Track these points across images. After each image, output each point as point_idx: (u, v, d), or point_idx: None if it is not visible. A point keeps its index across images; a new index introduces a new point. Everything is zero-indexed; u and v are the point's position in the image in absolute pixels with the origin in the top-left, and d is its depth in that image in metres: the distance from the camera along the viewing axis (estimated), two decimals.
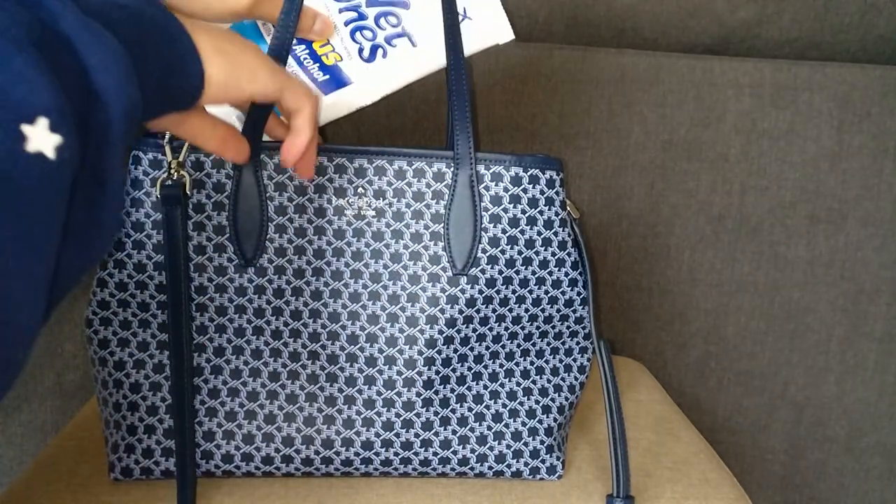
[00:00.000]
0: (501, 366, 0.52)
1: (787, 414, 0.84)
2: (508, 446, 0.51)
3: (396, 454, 0.50)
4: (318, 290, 0.49)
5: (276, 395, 0.49)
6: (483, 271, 0.49)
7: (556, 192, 0.50)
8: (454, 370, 0.50)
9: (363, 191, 0.48)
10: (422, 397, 0.50)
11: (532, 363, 0.52)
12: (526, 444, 0.51)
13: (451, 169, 0.49)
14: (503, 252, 0.49)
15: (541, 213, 0.49)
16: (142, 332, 0.48)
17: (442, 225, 0.49)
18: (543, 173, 0.49)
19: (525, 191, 0.49)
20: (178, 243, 0.45)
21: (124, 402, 0.48)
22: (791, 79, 0.76)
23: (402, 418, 0.49)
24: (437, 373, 0.50)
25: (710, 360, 0.83)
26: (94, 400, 0.62)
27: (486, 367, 0.51)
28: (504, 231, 0.49)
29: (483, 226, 0.49)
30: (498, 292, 0.49)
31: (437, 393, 0.50)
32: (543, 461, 0.52)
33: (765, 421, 0.84)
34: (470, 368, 0.51)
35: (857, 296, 0.81)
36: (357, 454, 0.49)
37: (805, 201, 0.79)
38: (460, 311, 0.49)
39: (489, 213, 0.49)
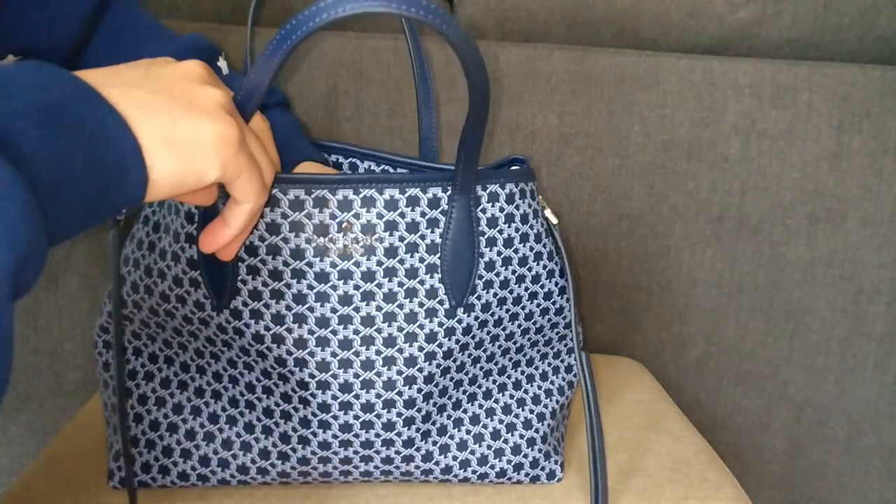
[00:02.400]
0: (494, 381, 0.51)
1: (786, 414, 0.84)
2: (509, 461, 0.50)
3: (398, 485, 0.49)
4: (302, 338, 0.44)
5: (270, 431, 0.47)
6: (479, 297, 0.46)
7: (539, 203, 0.48)
8: (450, 397, 0.49)
9: (349, 226, 0.42)
10: (420, 431, 0.48)
11: (523, 372, 0.51)
12: (525, 457, 0.51)
13: (448, 193, 0.44)
14: (498, 275, 0.46)
15: (531, 227, 0.47)
16: (151, 344, 0.48)
17: (437, 255, 0.44)
18: (528, 185, 0.47)
19: (518, 207, 0.46)
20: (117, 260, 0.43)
21: (130, 413, 0.48)
22: (791, 79, 0.76)
23: (401, 455, 0.48)
24: (435, 404, 0.48)
25: (710, 360, 0.83)
26: (93, 400, 0.62)
27: (479, 386, 0.50)
28: (499, 253, 0.46)
29: (479, 251, 0.45)
30: (493, 314, 0.47)
31: (434, 423, 0.48)
32: (543, 468, 0.51)
33: (764, 421, 0.84)
34: (465, 392, 0.49)
35: (856, 296, 0.81)
36: (353, 481, 0.49)
37: (805, 201, 0.79)
38: (457, 342, 0.46)
39: (485, 236, 0.45)
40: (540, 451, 0.51)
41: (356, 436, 0.46)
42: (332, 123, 0.77)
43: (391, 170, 0.56)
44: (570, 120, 0.76)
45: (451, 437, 0.49)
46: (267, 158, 0.38)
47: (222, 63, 0.50)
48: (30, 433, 0.82)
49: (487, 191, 0.45)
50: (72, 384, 0.81)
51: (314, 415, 0.46)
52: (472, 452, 0.50)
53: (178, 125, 0.31)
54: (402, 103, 0.75)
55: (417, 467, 0.49)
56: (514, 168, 0.48)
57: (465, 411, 0.50)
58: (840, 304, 0.81)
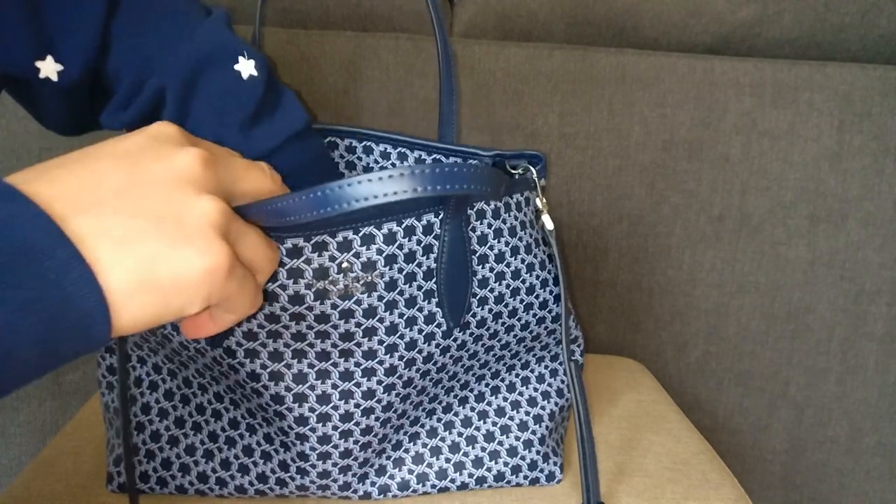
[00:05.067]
0: (487, 385, 0.50)
1: (787, 414, 0.84)
2: (506, 463, 0.50)
3: (395, 496, 0.49)
4: (303, 372, 0.43)
5: (269, 457, 0.47)
6: (474, 315, 0.45)
7: (525, 214, 0.47)
8: (440, 402, 0.49)
9: (349, 265, 0.41)
10: (408, 434, 0.48)
11: (517, 375, 0.51)
12: (523, 459, 0.50)
13: (441, 217, 0.43)
14: (492, 291, 0.46)
15: (520, 239, 0.46)
16: (154, 356, 0.47)
17: (434, 281, 0.43)
18: (512, 197, 0.46)
19: (504, 221, 0.45)
20: None
21: (133, 420, 0.48)
22: (792, 78, 0.76)
23: (392, 459, 0.48)
24: (424, 409, 0.48)
25: (710, 360, 0.83)
26: (93, 400, 0.62)
27: (471, 390, 0.50)
28: (492, 269, 0.45)
29: (472, 269, 0.44)
30: (488, 329, 0.47)
31: (423, 426, 0.49)
32: (542, 470, 0.51)
33: (765, 421, 0.84)
34: (455, 395, 0.49)
35: (857, 296, 0.80)
36: (355, 492, 0.49)
37: (806, 201, 0.78)
38: (451, 356, 0.46)
39: (476, 255, 0.44)
40: (538, 452, 0.51)
41: (355, 459, 0.46)
42: (333, 123, 0.77)
43: (408, 152, 0.54)
44: (570, 119, 0.76)
45: (443, 439, 0.49)
46: (265, 252, 0.35)
47: (244, 65, 0.44)
48: (29, 433, 0.82)
49: (475, 209, 0.44)
50: (71, 384, 0.81)
51: (313, 448, 0.45)
52: (466, 455, 0.50)
53: (158, 263, 0.27)
54: (402, 103, 0.75)
55: (411, 471, 0.49)
56: (515, 174, 0.48)
57: (456, 414, 0.50)
58: (841, 304, 0.81)
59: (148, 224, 0.28)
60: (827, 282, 0.80)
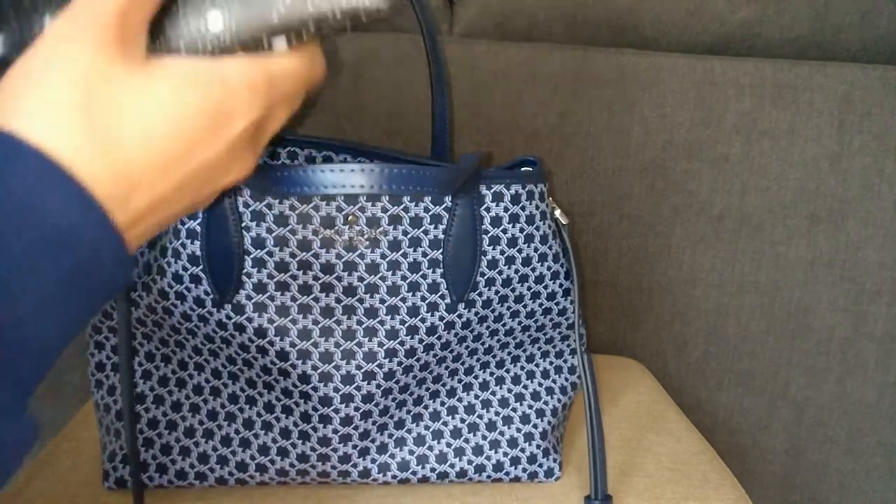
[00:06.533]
0: (492, 374, 0.51)
1: (787, 414, 0.84)
2: (505, 454, 0.51)
3: (394, 476, 0.49)
4: (307, 328, 0.45)
5: (270, 427, 0.48)
6: (480, 294, 0.47)
7: (547, 204, 0.49)
8: (444, 384, 0.49)
9: (354, 219, 0.44)
10: (411, 413, 0.49)
11: (523, 368, 0.52)
12: (522, 451, 0.51)
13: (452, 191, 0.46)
14: (500, 273, 0.47)
15: (537, 228, 0.48)
16: (147, 343, 0.48)
17: (440, 251, 0.46)
18: (536, 186, 0.48)
19: (524, 208, 0.47)
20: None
21: None
22: (792, 78, 0.76)
23: (393, 437, 0.49)
24: (427, 389, 0.49)
25: (710, 360, 0.83)
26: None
27: (476, 377, 0.51)
28: (502, 252, 0.47)
29: (482, 249, 0.46)
30: (493, 311, 0.48)
31: (426, 408, 0.49)
32: (541, 465, 0.51)
33: (765, 421, 0.84)
34: (460, 381, 0.50)
35: (857, 296, 0.80)
36: (355, 466, 0.49)
37: (806, 201, 0.78)
38: (455, 335, 0.47)
39: (489, 235, 0.46)
40: (538, 447, 0.51)
41: (356, 428, 0.47)
42: (332, 124, 0.77)
43: (367, 161, 0.55)
44: (570, 120, 0.76)
45: (445, 423, 0.50)
46: (299, 84, 0.31)
47: None
48: None
49: (492, 190, 0.46)
50: (71, 384, 0.81)
51: (315, 409, 0.46)
52: (467, 441, 0.50)
53: (169, 179, 0.26)
54: (402, 104, 0.75)
55: (412, 452, 0.49)
56: (524, 169, 0.49)
57: (459, 400, 0.50)
58: (841, 304, 0.81)
59: (188, 196, 0.28)
60: (827, 282, 0.80)
